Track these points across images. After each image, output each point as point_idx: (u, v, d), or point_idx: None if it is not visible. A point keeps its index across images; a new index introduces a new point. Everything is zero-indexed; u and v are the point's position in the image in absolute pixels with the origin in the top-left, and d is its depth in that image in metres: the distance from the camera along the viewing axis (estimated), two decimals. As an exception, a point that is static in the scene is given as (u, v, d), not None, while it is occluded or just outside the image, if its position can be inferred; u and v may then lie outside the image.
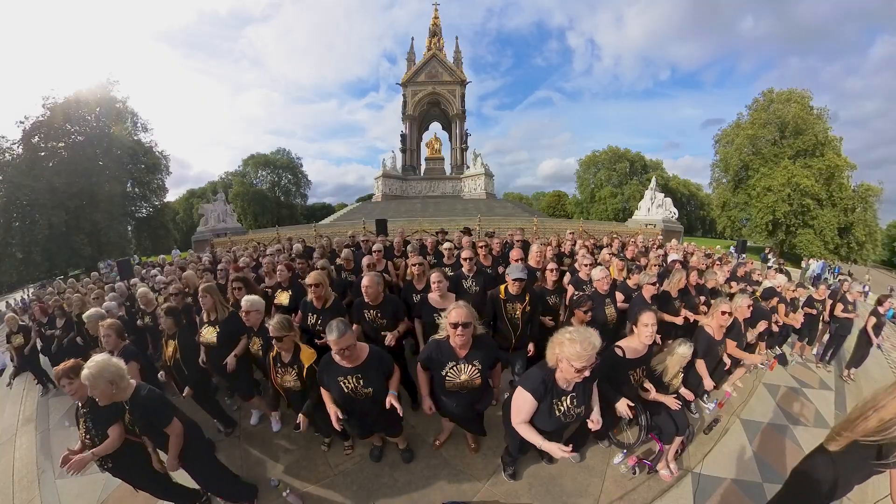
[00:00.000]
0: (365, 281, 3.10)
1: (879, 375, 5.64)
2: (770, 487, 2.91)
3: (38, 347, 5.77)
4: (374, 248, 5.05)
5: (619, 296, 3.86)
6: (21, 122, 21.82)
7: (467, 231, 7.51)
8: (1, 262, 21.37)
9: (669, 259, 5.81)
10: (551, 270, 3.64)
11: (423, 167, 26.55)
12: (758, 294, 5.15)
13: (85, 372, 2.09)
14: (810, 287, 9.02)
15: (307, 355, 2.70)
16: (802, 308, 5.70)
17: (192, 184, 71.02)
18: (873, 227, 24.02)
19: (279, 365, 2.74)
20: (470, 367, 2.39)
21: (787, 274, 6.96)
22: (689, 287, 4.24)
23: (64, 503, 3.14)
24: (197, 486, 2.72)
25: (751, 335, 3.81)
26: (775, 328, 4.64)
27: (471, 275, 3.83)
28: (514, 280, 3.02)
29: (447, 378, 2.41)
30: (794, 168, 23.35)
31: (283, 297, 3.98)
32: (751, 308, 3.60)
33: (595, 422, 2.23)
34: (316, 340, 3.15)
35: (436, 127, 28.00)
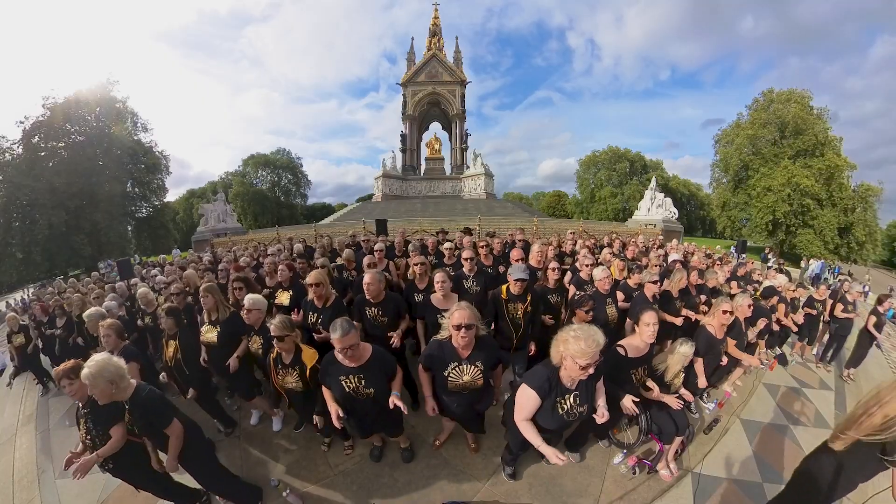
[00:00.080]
0: (367, 278, 3.10)
1: (879, 375, 5.64)
2: (770, 487, 2.91)
3: (39, 347, 5.78)
4: (376, 247, 5.04)
5: (620, 295, 3.87)
6: (21, 122, 21.84)
7: (468, 231, 7.52)
8: (1, 262, 21.36)
9: (670, 259, 5.80)
10: (553, 269, 3.63)
11: (423, 167, 26.52)
12: (758, 294, 5.15)
13: (85, 371, 2.09)
14: (810, 287, 9.02)
15: (309, 356, 2.69)
16: (802, 308, 5.71)
17: (192, 184, 71.36)
18: (873, 227, 24.00)
19: (280, 366, 2.74)
20: (472, 367, 2.39)
21: (788, 274, 6.97)
22: (690, 287, 4.24)
23: (64, 503, 3.14)
24: (198, 486, 2.71)
25: (751, 333, 3.82)
26: (775, 326, 4.64)
27: (472, 275, 3.82)
28: (517, 280, 3.02)
29: (449, 378, 2.40)
30: (794, 168, 23.33)
31: (283, 298, 3.97)
32: (751, 307, 3.61)
33: (602, 416, 2.22)
34: (314, 335, 3.15)
35: (436, 127, 28.00)
